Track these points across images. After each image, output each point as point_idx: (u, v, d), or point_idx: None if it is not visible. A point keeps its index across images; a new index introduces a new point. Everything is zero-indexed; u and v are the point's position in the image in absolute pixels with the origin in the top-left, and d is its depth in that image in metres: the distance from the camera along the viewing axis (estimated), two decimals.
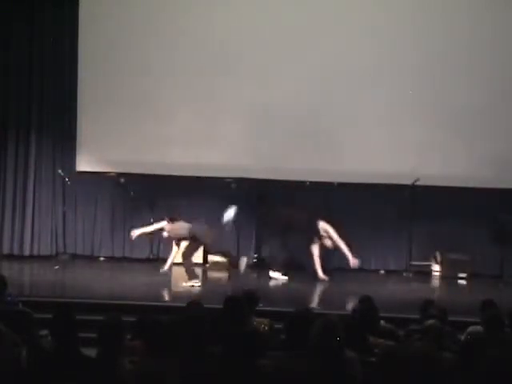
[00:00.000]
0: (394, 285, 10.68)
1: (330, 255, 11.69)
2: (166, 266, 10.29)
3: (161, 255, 11.78)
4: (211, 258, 11.59)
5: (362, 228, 11.48)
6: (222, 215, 10.70)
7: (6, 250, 11.70)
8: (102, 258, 11.89)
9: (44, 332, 5.15)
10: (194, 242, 10.04)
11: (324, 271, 10.48)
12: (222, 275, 11.10)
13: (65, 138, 11.86)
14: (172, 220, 10.15)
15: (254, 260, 11.71)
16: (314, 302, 9.38)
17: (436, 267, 11.41)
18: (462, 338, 5.67)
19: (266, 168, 11.33)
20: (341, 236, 10.43)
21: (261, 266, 11.51)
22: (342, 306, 8.40)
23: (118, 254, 11.95)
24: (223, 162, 11.40)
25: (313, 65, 11.29)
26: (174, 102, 11.53)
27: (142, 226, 10.58)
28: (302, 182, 11.41)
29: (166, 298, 9.40)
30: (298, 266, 11.46)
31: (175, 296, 9.38)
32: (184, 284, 9.81)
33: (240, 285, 10.03)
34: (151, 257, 11.77)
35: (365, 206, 11.43)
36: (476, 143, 11.21)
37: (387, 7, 11.27)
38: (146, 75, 11.50)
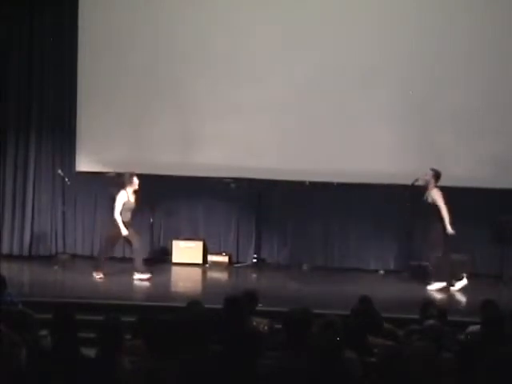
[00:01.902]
0: (393, 285, 10.67)
1: (330, 255, 11.73)
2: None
3: (160, 255, 11.79)
4: (211, 257, 11.59)
5: (362, 228, 11.48)
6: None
7: (5, 250, 11.69)
8: None
9: (44, 332, 5.15)
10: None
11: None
12: (222, 275, 11.10)
13: (65, 138, 11.85)
14: None
15: (254, 260, 11.71)
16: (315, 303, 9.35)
17: None
18: (462, 337, 5.68)
19: (266, 168, 11.33)
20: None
21: (260, 266, 11.53)
22: (342, 306, 8.38)
23: (117, 253, 11.90)
24: (223, 162, 11.39)
25: (313, 64, 11.29)
26: (174, 102, 11.53)
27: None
28: (302, 182, 11.41)
29: (166, 298, 9.38)
30: (299, 264, 11.51)
31: (175, 296, 9.38)
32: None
33: (240, 285, 10.05)
34: (151, 257, 11.76)
35: (365, 205, 11.43)
36: (476, 143, 11.21)
37: (387, 7, 11.27)
38: (145, 75, 11.50)
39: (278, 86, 11.30)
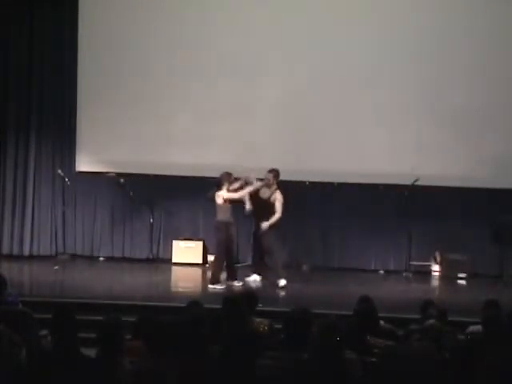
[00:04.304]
0: (393, 285, 10.68)
1: (330, 255, 11.73)
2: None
3: (160, 255, 11.79)
4: (211, 257, 11.57)
5: (362, 228, 11.48)
6: None
7: (5, 250, 11.69)
8: (101, 258, 11.88)
9: (44, 332, 5.15)
10: None
11: None
12: (222, 275, 11.07)
13: (65, 138, 11.86)
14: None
15: None
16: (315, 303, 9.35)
17: (435, 267, 11.41)
18: (462, 337, 5.68)
19: (266, 168, 11.30)
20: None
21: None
22: (342, 307, 8.38)
23: (117, 254, 11.94)
24: (223, 162, 11.37)
25: (312, 64, 11.30)
26: (174, 102, 11.53)
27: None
28: (302, 182, 11.40)
29: (166, 298, 9.38)
30: (299, 264, 11.50)
31: (175, 296, 9.37)
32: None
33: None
34: (151, 257, 11.76)
35: (365, 205, 11.43)
36: (476, 143, 11.21)
37: (387, 7, 11.27)
38: (145, 75, 11.51)
39: (278, 86, 11.31)
